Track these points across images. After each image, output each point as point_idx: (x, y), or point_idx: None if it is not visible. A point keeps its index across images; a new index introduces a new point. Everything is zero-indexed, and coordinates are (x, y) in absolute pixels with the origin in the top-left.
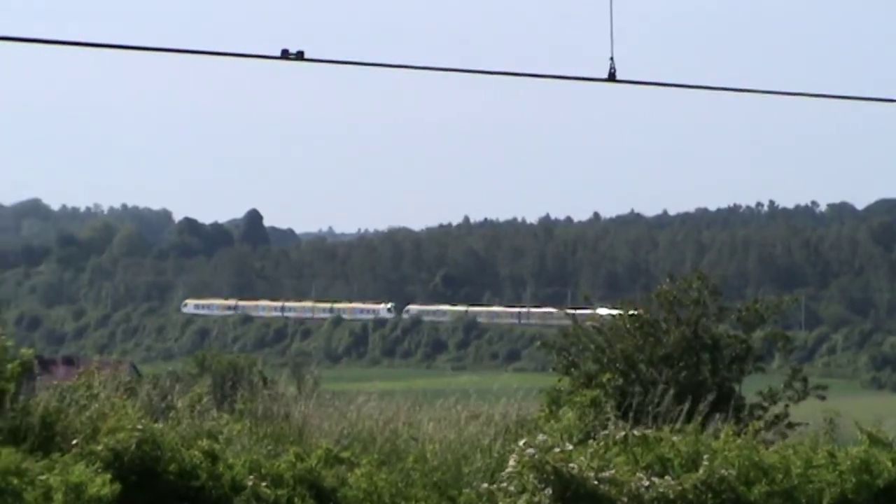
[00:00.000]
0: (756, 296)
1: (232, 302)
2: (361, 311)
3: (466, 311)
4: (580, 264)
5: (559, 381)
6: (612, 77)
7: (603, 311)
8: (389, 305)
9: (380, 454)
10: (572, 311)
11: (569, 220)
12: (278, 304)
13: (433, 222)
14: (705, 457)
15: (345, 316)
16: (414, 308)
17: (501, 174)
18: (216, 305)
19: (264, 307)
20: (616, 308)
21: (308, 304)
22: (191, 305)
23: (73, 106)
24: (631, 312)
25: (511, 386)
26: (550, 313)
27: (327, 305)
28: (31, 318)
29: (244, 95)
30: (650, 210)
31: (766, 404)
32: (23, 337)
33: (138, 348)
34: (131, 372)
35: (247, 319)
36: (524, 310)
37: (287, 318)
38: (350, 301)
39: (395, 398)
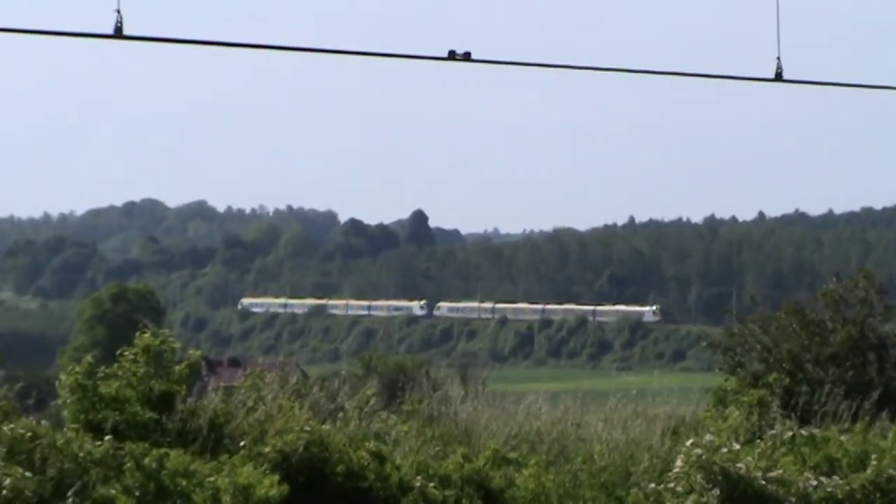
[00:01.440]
0: None
1: (313, 301)
2: (395, 308)
3: (493, 308)
4: (745, 264)
5: (725, 380)
6: (778, 77)
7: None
8: (422, 303)
9: (547, 455)
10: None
11: (734, 219)
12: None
13: (598, 222)
14: (873, 456)
15: (420, 311)
16: (444, 305)
17: (667, 174)
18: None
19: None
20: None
21: (405, 303)
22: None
23: (238, 107)
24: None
25: (676, 386)
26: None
27: (405, 303)
28: (197, 319)
29: (409, 96)
30: (815, 209)
31: None
32: (189, 338)
33: (304, 350)
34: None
35: (413, 320)
36: (546, 306)
37: (453, 318)
38: (514, 301)
39: (562, 399)
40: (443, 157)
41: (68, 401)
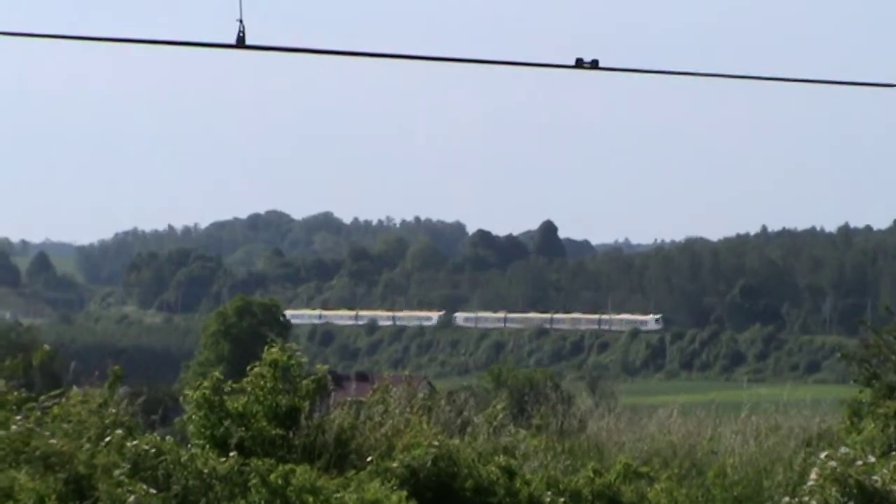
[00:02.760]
0: None
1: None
2: (513, 320)
3: (505, 318)
4: (880, 273)
5: (860, 392)
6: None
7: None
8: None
9: (680, 469)
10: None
11: (868, 228)
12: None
13: (730, 232)
14: None
15: (517, 324)
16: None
17: (799, 182)
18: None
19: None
20: None
21: (534, 315)
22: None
23: (365, 116)
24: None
25: (810, 398)
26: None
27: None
28: (324, 333)
29: (537, 105)
30: None
31: None
32: (315, 352)
33: (433, 363)
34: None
35: (542, 332)
36: (554, 315)
37: (583, 330)
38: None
39: (694, 411)
40: (571, 166)
41: (194, 416)
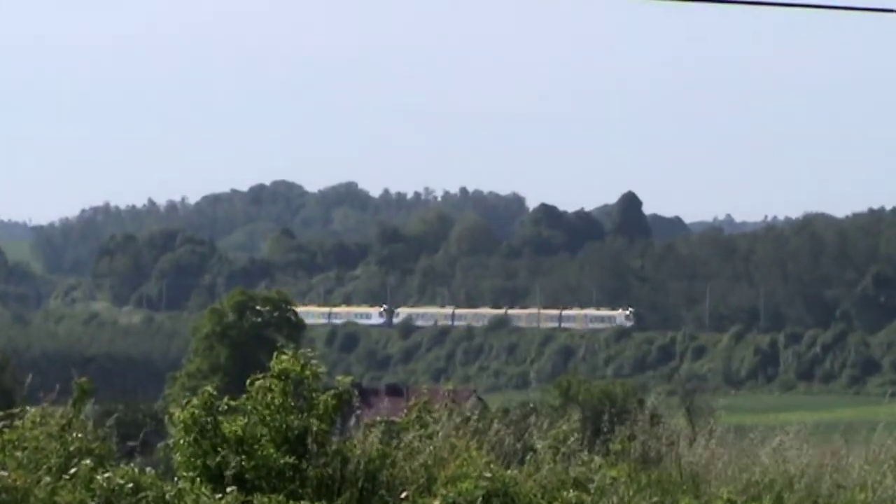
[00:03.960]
0: None
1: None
2: (594, 318)
3: (577, 316)
4: None
5: None
6: None
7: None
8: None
9: None
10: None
11: None
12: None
13: (860, 206)
14: None
15: (535, 323)
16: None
17: None
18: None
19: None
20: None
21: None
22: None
23: (391, 66)
24: None
25: None
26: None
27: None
28: (347, 335)
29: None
30: None
31: None
32: (335, 360)
33: (484, 373)
34: (476, 404)
35: (622, 334)
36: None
37: (672, 332)
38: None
39: (816, 434)
40: (657, 127)
41: (182, 441)
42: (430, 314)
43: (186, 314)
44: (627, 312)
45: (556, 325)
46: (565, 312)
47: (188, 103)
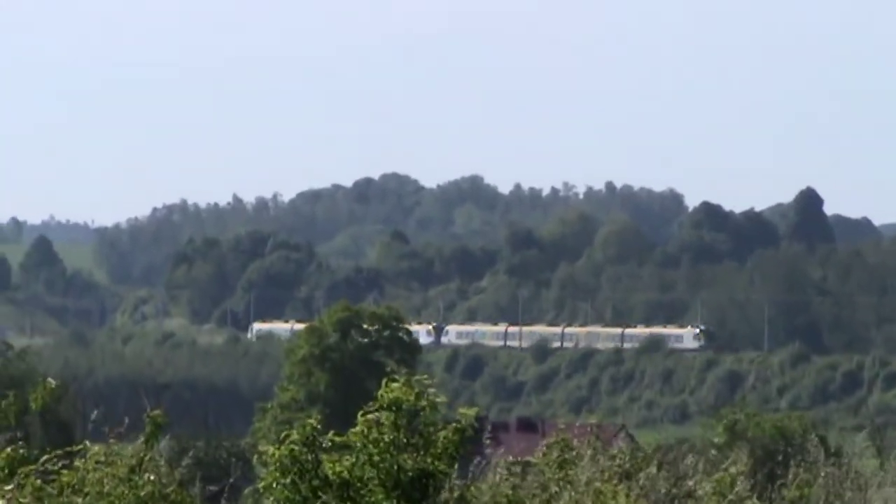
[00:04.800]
0: None
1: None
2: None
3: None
4: None
5: None
6: None
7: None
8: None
9: None
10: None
11: None
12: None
13: None
14: None
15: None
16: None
17: None
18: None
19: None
20: None
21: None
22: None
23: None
24: None
25: None
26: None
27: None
28: (471, 359)
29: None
30: None
31: None
32: (457, 388)
33: (634, 404)
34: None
35: (799, 358)
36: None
37: (860, 356)
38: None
39: None
40: (842, 111)
41: (276, 485)
42: (571, 334)
43: (280, 333)
44: (696, 331)
45: (617, 344)
46: (628, 331)
47: (279, 85)
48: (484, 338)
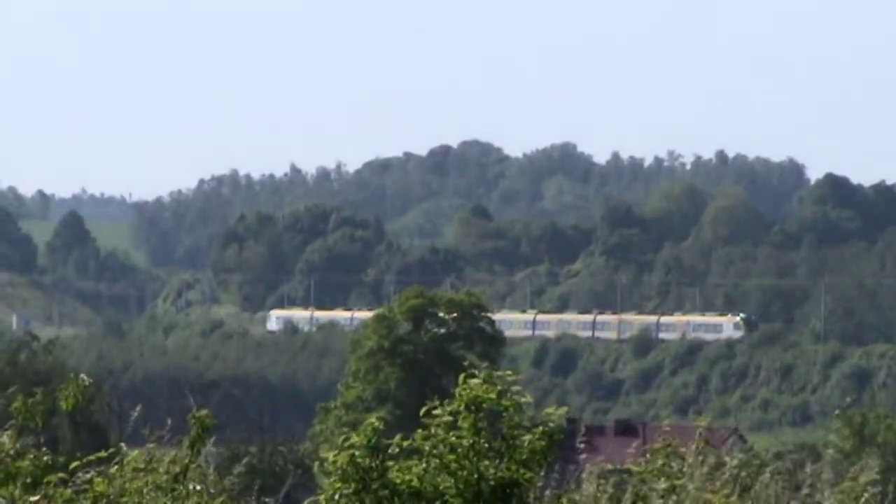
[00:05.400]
0: None
1: None
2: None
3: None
4: None
5: None
6: None
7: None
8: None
9: None
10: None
11: None
12: None
13: None
14: None
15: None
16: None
17: None
18: None
19: None
20: None
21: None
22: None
23: None
24: None
25: None
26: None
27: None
28: (561, 352)
29: None
30: None
31: None
32: (546, 386)
33: (748, 405)
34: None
35: None
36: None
37: None
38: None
39: None
40: None
41: (338, 496)
42: (677, 324)
43: (342, 322)
44: (737, 320)
45: (652, 335)
46: (663, 319)
47: (343, 39)
48: (571, 328)
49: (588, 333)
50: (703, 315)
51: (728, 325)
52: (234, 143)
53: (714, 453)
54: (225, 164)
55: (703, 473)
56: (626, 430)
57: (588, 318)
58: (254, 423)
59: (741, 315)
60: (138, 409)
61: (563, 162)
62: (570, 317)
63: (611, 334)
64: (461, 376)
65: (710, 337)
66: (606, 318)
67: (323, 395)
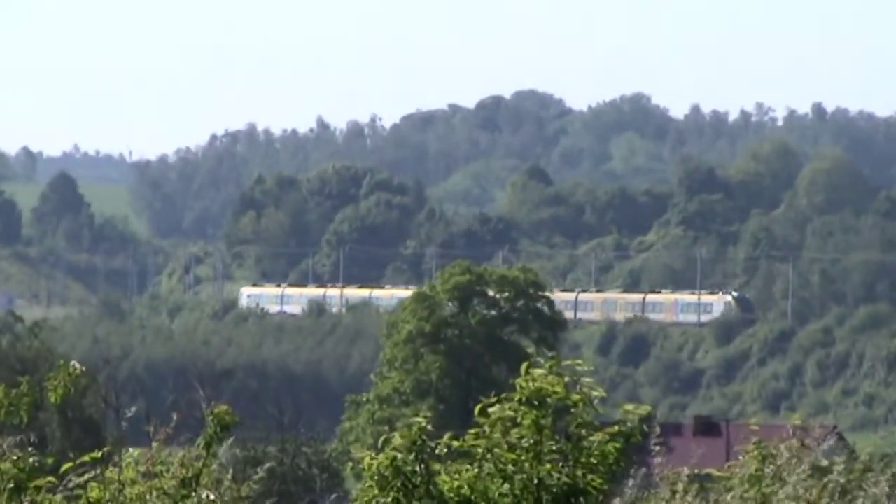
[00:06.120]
0: None
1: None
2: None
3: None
4: None
5: None
6: None
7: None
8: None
9: None
10: None
11: None
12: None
13: None
14: None
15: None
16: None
17: None
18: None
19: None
20: None
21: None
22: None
23: None
24: None
25: None
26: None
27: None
28: (633, 337)
29: None
30: None
31: None
32: (617, 377)
33: (850, 399)
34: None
35: None
36: None
37: None
38: None
39: None
40: None
41: (375, 503)
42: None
43: (376, 302)
44: (729, 298)
45: (630, 314)
46: (649, 298)
47: None
48: (643, 309)
49: (661, 316)
50: (694, 294)
51: (719, 304)
52: (252, 93)
53: (811, 457)
54: (241, 118)
55: (798, 481)
56: (707, 428)
57: (664, 297)
58: (273, 419)
59: (733, 293)
60: (138, 402)
61: (634, 116)
62: (641, 296)
63: (689, 317)
64: (523, 365)
65: (694, 318)
66: (684, 297)
67: (353, 386)
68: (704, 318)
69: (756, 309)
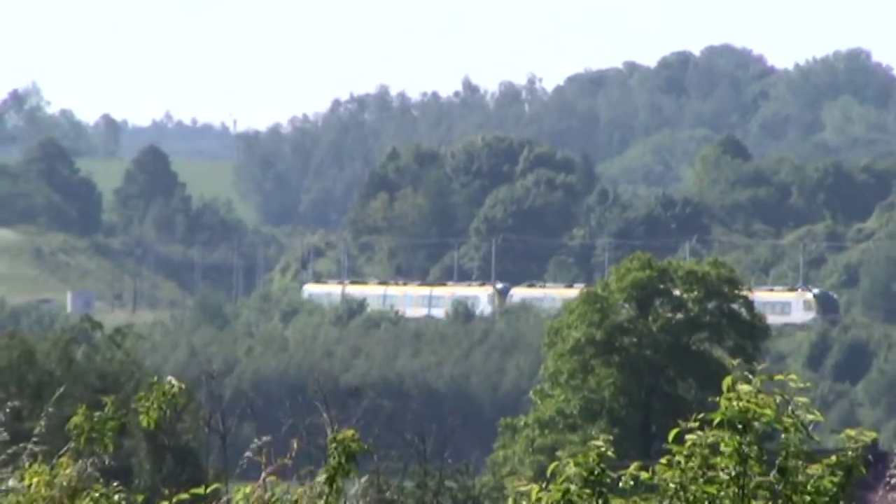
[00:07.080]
0: None
1: None
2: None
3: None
4: None
5: None
6: None
7: None
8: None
9: None
10: None
11: None
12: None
13: None
14: None
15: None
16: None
17: None
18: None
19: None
20: None
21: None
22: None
23: None
24: None
25: None
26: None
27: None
28: (848, 345)
29: None
30: None
31: None
32: (833, 392)
33: None
34: None
35: None
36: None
37: None
38: None
39: None
40: None
41: None
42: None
43: (536, 305)
44: (809, 296)
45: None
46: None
47: None
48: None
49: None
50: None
51: (798, 303)
52: (383, 52)
53: None
54: (369, 80)
55: None
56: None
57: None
58: (411, 446)
59: (814, 290)
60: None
61: (851, 77)
62: (855, 294)
63: None
64: (726, 380)
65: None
66: None
67: (508, 407)
68: (780, 318)
69: None
